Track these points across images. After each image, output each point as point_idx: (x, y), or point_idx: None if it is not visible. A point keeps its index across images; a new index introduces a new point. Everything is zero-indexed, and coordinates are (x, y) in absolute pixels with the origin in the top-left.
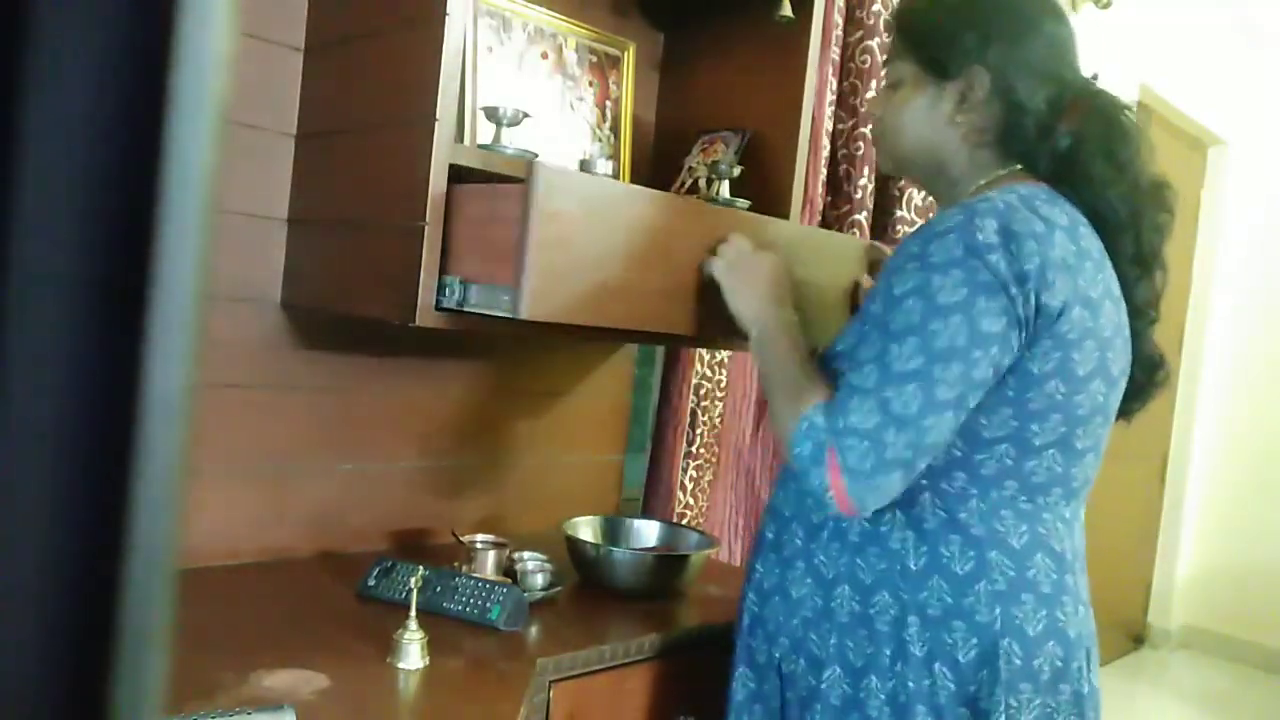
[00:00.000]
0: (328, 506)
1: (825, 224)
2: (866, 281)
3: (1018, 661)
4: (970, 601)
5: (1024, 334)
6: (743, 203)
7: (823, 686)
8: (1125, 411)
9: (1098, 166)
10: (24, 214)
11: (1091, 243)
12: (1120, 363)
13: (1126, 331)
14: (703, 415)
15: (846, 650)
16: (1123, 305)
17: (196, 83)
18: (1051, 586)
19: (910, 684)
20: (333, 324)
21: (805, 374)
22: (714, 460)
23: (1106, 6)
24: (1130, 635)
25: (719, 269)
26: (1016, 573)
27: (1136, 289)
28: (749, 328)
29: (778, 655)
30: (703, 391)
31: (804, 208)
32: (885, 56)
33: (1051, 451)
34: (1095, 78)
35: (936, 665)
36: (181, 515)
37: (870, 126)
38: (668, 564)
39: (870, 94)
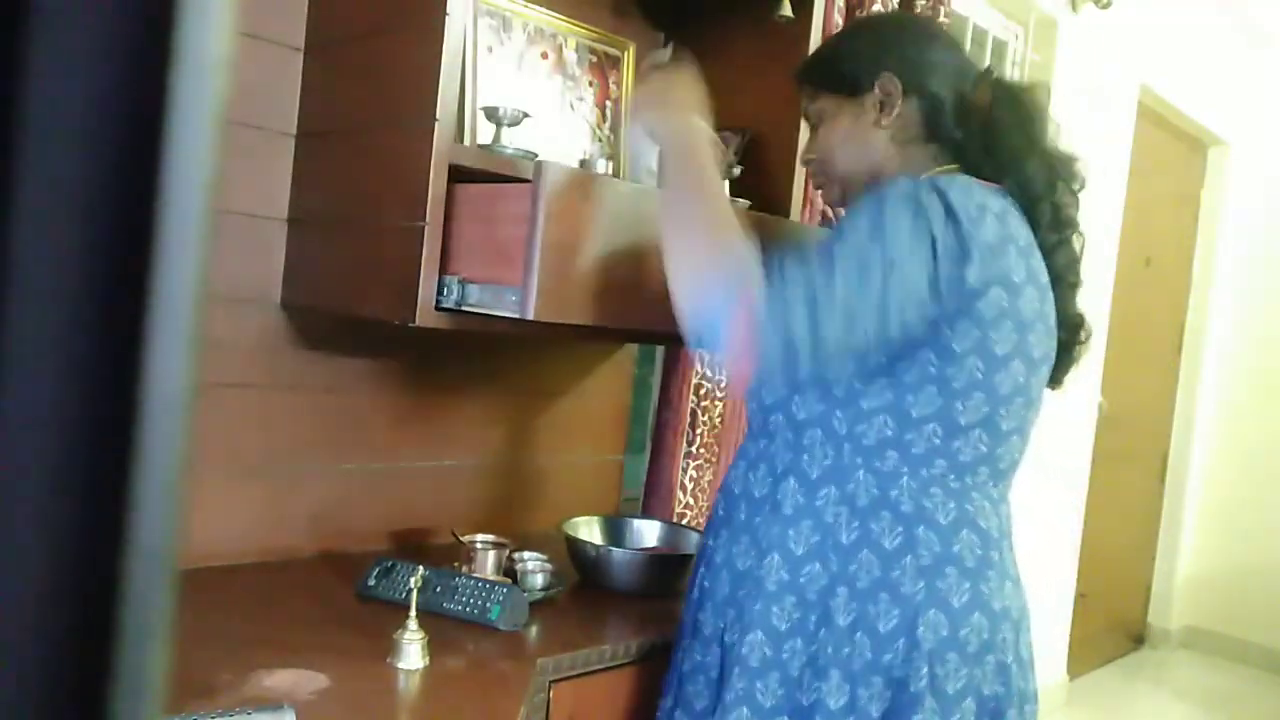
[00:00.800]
0: (328, 506)
1: (825, 224)
2: None
3: (944, 632)
4: (896, 575)
5: (939, 286)
6: (743, 203)
7: (744, 650)
8: (1055, 379)
9: (1014, 139)
10: (24, 214)
11: (1020, 229)
12: (1042, 347)
13: (1052, 320)
14: (703, 415)
15: (771, 615)
16: (1048, 293)
17: (196, 83)
18: (975, 561)
19: (830, 649)
20: (333, 324)
21: (729, 211)
22: (714, 460)
23: (1106, 6)
24: (1130, 635)
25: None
26: (942, 548)
27: (1056, 253)
28: (661, 140)
29: (722, 626)
30: (703, 391)
31: (804, 208)
32: (803, 110)
33: (978, 431)
34: (990, 70)
35: (858, 634)
36: (182, 515)
37: (811, 172)
38: (668, 564)
39: None
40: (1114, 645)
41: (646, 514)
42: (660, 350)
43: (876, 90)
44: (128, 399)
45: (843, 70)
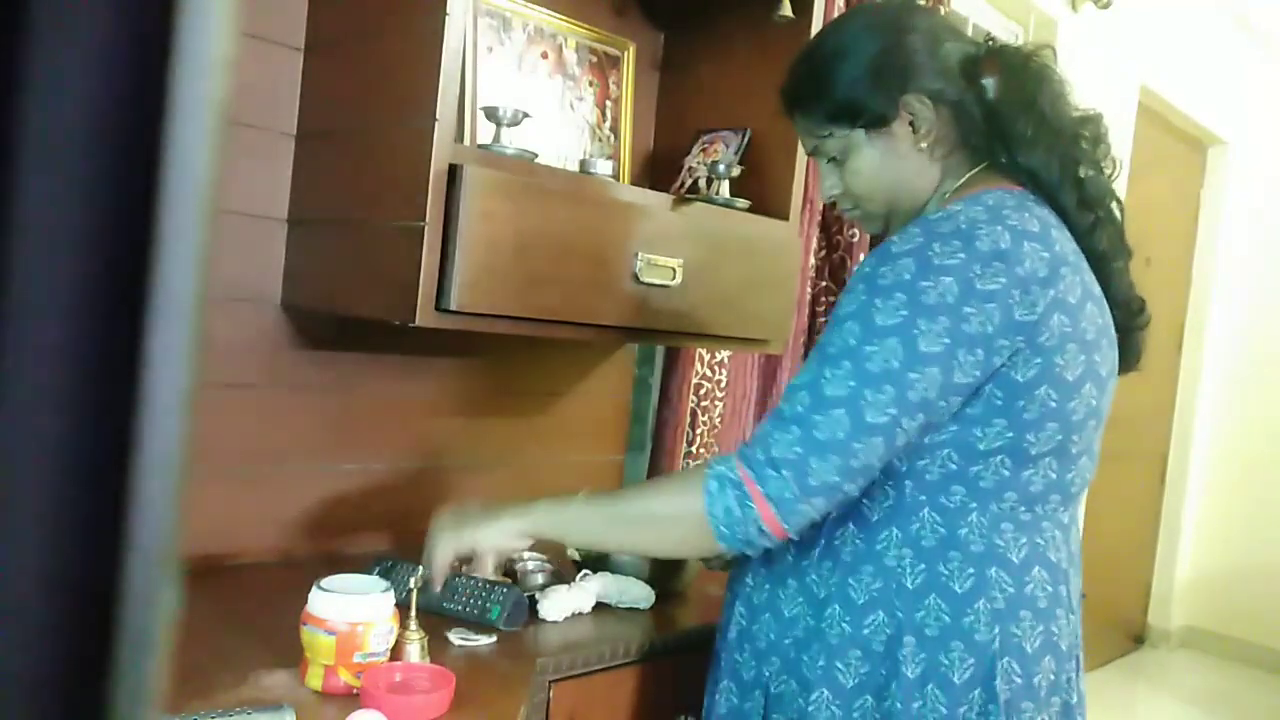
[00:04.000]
0: (328, 506)
1: (825, 224)
2: None
3: (1018, 680)
4: (969, 621)
5: (986, 351)
6: (742, 203)
7: (810, 709)
8: (1127, 364)
9: (1020, 124)
10: (24, 214)
11: (1065, 244)
12: (1108, 363)
13: (1112, 331)
14: (703, 415)
15: (836, 672)
16: (1104, 304)
17: (196, 83)
18: (1047, 600)
19: (899, 705)
20: (333, 324)
21: (637, 487)
22: None
23: (1106, 6)
24: (1130, 635)
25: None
26: (1015, 589)
27: (1094, 235)
28: (529, 532)
29: (767, 674)
30: (703, 391)
31: (804, 208)
32: (805, 140)
33: (1048, 459)
34: (991, 43)
35: (929, 686)
36: (182, 515)
37: (839, 209)
38: (668, 564)
39: None
40: (1114, 645)
41: None
42: (660, 350)
43: (903, 114)
44: (128, 399)
45: (861, 107)
